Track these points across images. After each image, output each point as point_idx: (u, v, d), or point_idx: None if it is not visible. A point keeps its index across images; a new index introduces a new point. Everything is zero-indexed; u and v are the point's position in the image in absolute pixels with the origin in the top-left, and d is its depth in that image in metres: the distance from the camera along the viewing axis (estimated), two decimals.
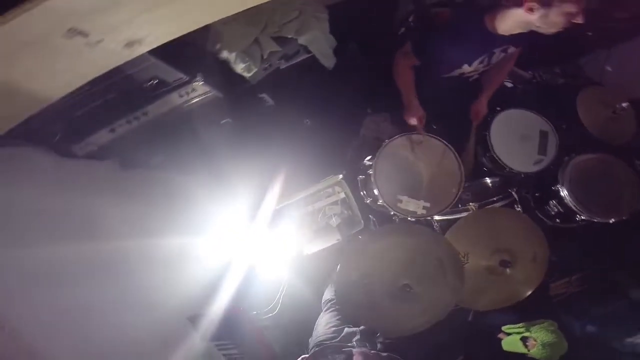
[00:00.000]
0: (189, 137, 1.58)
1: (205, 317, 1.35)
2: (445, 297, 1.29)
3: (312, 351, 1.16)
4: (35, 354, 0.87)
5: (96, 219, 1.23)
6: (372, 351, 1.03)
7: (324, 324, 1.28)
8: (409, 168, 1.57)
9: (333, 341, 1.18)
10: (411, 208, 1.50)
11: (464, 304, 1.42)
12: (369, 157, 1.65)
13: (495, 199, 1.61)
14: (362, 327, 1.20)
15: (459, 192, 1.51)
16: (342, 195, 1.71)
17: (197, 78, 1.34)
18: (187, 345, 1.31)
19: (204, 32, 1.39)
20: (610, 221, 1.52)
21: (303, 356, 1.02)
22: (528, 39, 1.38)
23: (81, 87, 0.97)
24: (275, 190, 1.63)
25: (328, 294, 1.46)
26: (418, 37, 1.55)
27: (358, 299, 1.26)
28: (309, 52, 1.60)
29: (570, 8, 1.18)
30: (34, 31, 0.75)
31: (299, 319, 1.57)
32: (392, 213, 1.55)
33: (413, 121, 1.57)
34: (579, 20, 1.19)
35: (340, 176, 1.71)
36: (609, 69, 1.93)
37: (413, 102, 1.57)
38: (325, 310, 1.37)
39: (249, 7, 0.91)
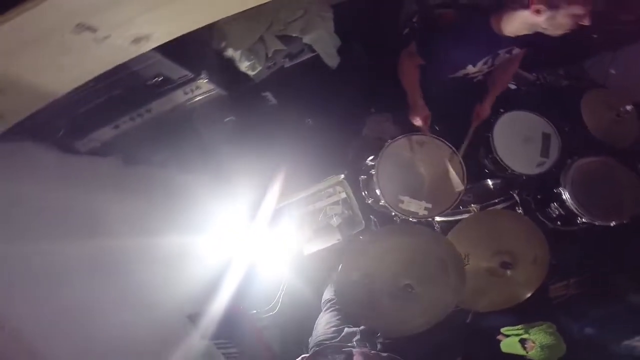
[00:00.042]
0: (191, 135, 1.58)
1: (205, 315, 1.36)
2: (446, 298, 1.30)
3: (312, 351, 1.17)
4: (35, 354, 0.88)
5: (98, 217, 1.23)
6: (372, 351, 1.03)
7: (324, 324, 1.28)
8: (411, 169, 1.56)
9: (333, 341, 1.18)
10: (413, 209, 1.50)
11: (464, 305, 1.43)
12: (371, 157, 1.64)
13: (496, 200, 1.62)
14: (362, 327, 1.21)
15: (461, 194, 1.51)
16: (344, 195, 1.72)
17: (202, 75, 1.34)
18: (187, 344, 1.32)
19: (209, 30, 1.39)
20: (611, 224, 1.52)
21: (303, 355, 1.02)
22: (533, 41, 1.38)
23: (86, 83, 0.97)
24: (275, 189, 1.64)
25: (328, 294, 1.47)
26: (423, 37, 1.55)
27: (359, 298, 1.27)
28: (313, 51, 1.60)
29: (577, 10, 1.17)
30: (42, 26, 0.75)
31: (298, 318, 1.58)
32: (393, 214, 1.56)
33: (418, 121, 1.57)
34: (586, 22, 1.19)
35: (342, 176, 1.71)
36: (613, 71, 1.92)
37: (418, 102, 1.57)
38: (325, 310, 1.38)
39: (250, 6, 0.90)
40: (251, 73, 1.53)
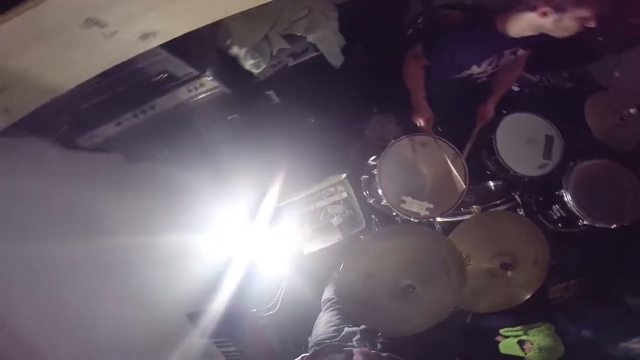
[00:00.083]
0: (193, 133, 1.58)
1: (205, 314, 1.36)
2: (447, 298, 1.30)
3: (312, 350, 1.17)
4: (35, 354, 0.88)
5: (99, 215, 1.23)
6: (373, 351, 1.04)
7: (324, 323, 1.29)
8: (413, 169, 1.57)
9: (333, 340, 1.19)
10: (415, 209, 1.51)
11: (464, 306, 1.43)
12: (373, 157, 1.64)
13: (498, 202, 1.62)
14: (362, 327, 1.21)
15: (463, 195, 1.52)
16: (345, 194, 1.72)
17: (207, 73, 1.33)
18: (186, 342, 1.32)
19: (215, 28, 1.38)
20: (612, 227, 1.53)
21: (303, 355, 1.02)
22: (538, 42, 1.37)
23: (91, 79, 0.96)
24: (276, 188, 1.64)
25: (328, 293, 1.47)
26: (429, 38, 1.54)
27: (360, 298, 1.27)
28: (317, 50, 1.59)
29: (584, 13, 1.16)
30: (51, 20, 0.75)
31: (298, 317, 1.58)
32: (394, 214, 1.56)
33: (421, 122, 1.57)
34: (592, 24, 1.18)
35: (344, 175, 1.71)
36: (617, 74, 1.91)
37: (422, 103, 1.57)
38: (325, 310, 1.38)
39: (253, 5, 0.90)
40: (255, 71, 1.52)
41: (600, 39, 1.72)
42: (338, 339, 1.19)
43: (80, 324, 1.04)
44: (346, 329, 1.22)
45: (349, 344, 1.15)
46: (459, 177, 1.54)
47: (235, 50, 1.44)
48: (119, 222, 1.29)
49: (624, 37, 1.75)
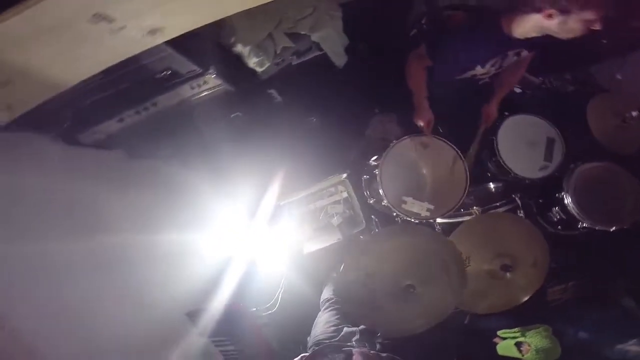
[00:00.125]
0: (195, 131, 1.58)
1: (204, 312, 1.37)
2: (447, 299, 1.31)
3: (312, 350, 1.17)
4: (35, 354, 0.88)
5: (100, 212, 1.23)
6: (372, 351, 1.04)
7: (323, 323, 1.29)
8: (414, 170, 1.57)
9: (332, 340, 1.19)
10: (415, 210, 1.51)
11: (463, 307, 1.44)
12: (375, 157, 1.64)
13: (498, 204, 1.62)
14: (361, 327, 1.22)
15: (464, 196, 1.52)
16: (345, 194, 1.72)
17: (210, 70, 1.33)
18: (186, 341, 1.32)
19: (219, 26, 1.37)
20: (612, 229, 1.53)
21: (302, 354, 1.03)
22: (542, 43, 1.37)
23: (95, 75, 0.96)
24: (276, 187, 1.64)
25: (326, 293, 1.48)
26: (432, 38, 1.53)
27: (360, 298, 1.27)
28: (320, 49, 1.59)
29: (590, 15, 1.16)
30: (59, 15, 0.74)
31: (297, 316, 1.59)
32: (394, 214, 1.56)
33: (422, 123, 1.57)
34: (597, 27, 1.18)
35: (344, 175, 1.71)
36: (619, 77, 1.91)
37: (423, 104, 1.56)
38: (324, 309, 1.38)
39: (258, 3, 0.89)
40: (259, 69, 1.52)
41: (604, 41, 1.72)
42: (337, 338, 1.20)
43: (80, 323, 1.04)
44: (345, 329, 1.23)
45: (348, 344, 1.15)
46: (460, 178, 1.54)
47: (239, 48, 1.43)
48: (121, 219, 1.29)
49: (628, 39, 1.75)
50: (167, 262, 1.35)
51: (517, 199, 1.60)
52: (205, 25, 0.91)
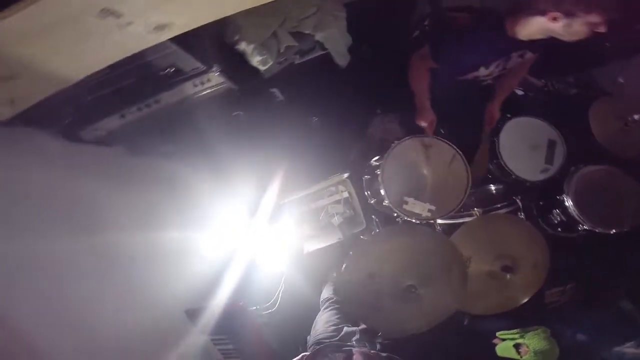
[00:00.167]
0: (197, 128, 1.57)
1: (204, 311, 1.37)
2: (447, 300, 1.31)
3: (312, 349, 1.18)
4: (36, 353, 0.88)
5: (101, 210, 1.22)
6: (372, 351, 1.05)
7: (324, 322, 1.30)
8: (416, 170, 1.56)
9: (332, 340, 1.20)
10: (417, 210, 1.51)
11: (463, 308, 1.44)
12: (376, 158, 1.64)
13: (499, 205, 1.62)
14: (361, 327, 1.22)
15: (465, 197, 1.52)
16: (346, 194, 1.72)
17: (214, 68, 1.32)
18: (186, 340, 1.32)
19: (223, 24, 1.37)
20: (611, 232, 1.54)
21: (303, 354, 1.03)
22: (545, 45, 1.37)
23: (99, 71, 0.95)
24: (277, 186, 1.63)
25: (327, 293, 1.48)
26: (436, 40, 1.53)
27: (361, 298, 1.27)
28: (324, 49, 1.58)
29: (594, 19, 1.16)
30: (67, 9, 0.74)
31: (297, 315, 1.59)
32: (395, 214, 1.56)
33: (424, 124, 1.57)
34: (602, 30, 1.18)
35: (346, 175, 1.71)
36: (622, 80, 1.91)
37: (425, 106, 1.56)
38: (324, 309, 1.39)
39: (261, 3, 0.89)
40: (262, 68, 1.51)
41: (608, 44, 1.72)
42: (337, 338, 1.20)
43: (80, 323, 1.04)
44: (345, 328, 1.23)
45: (349, 343, 1.16)
46: (461, 179, 1.54)
47: (243, 45, 1.43)
48: (121, 216, 1.28)
49: (632, 42, 1.75)
50: (168, 260, 1.35)
51: (518, 200, 1.60)
52: (210, 23, 0.91)
